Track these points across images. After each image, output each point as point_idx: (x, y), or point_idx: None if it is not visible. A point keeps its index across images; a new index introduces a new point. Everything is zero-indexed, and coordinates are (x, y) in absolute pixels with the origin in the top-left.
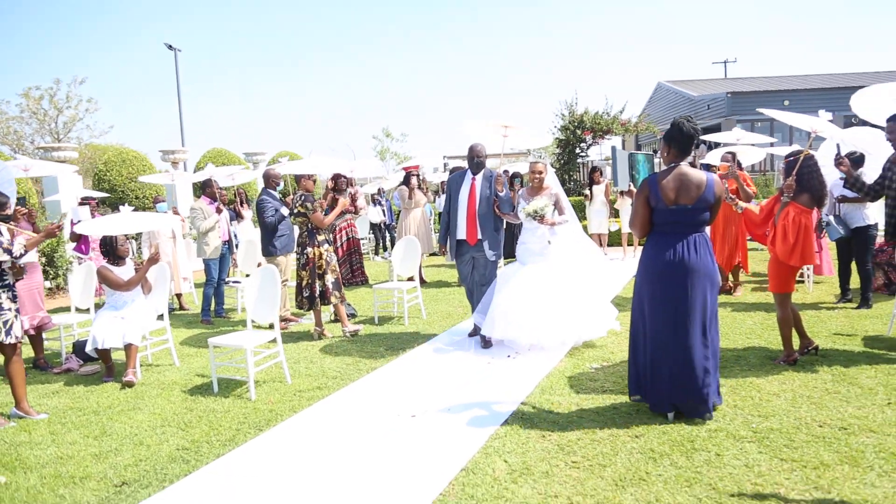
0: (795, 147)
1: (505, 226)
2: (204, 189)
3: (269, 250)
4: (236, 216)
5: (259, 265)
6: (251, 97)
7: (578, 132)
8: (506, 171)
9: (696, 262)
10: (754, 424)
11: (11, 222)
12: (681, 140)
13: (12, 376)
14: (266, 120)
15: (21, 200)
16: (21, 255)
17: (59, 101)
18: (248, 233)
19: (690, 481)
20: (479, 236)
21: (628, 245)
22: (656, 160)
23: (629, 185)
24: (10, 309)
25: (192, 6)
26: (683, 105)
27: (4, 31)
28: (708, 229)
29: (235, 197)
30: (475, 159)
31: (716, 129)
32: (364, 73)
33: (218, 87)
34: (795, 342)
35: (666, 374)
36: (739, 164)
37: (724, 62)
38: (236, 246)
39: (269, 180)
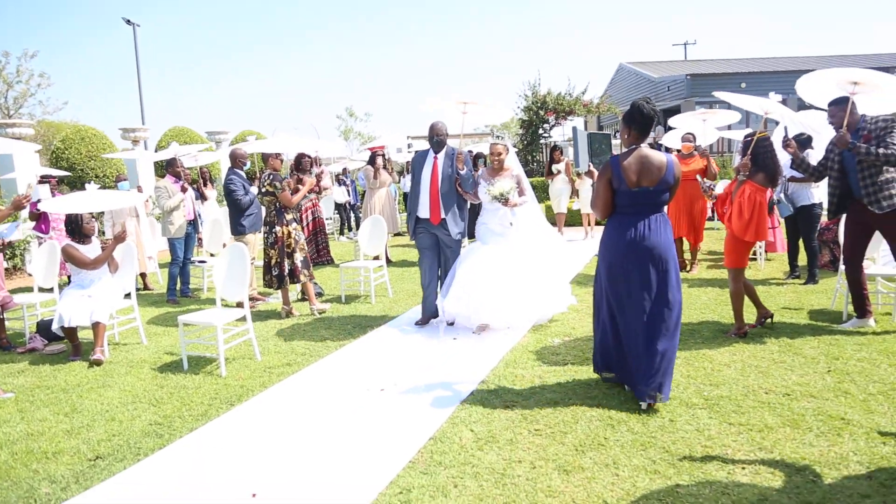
0: (750, 130)
1: (469, 206)
2: (168, 168)
3: (238, 229)
4: (200, 196)
5: (224, 245)
6: (213, 76)
7: (541, 113)
8: (469, 151)
9: (656, 240)
10: (706, 392)
11: None
12: (641, 122)
13: None
14: (228, 98)
15: None
16: None
17: (8, 75)
18: (213, 212)
19: (645, 445)
20: (443, 215)
21: (587, 225)
22: (615, 142)
23: (589, 166)
24: None
25: None
26: (644, 86)
27: None
28: (666, 208)
29: (199, 177)
30: (435, 137)
31: (676, 110)
32: (328, 51)
33: (179, 64)
34: (747, 316)
35: (631, 352)
36: (698, 145)
37: (685, 44)
38: (201, 225)
39: (236, 160)
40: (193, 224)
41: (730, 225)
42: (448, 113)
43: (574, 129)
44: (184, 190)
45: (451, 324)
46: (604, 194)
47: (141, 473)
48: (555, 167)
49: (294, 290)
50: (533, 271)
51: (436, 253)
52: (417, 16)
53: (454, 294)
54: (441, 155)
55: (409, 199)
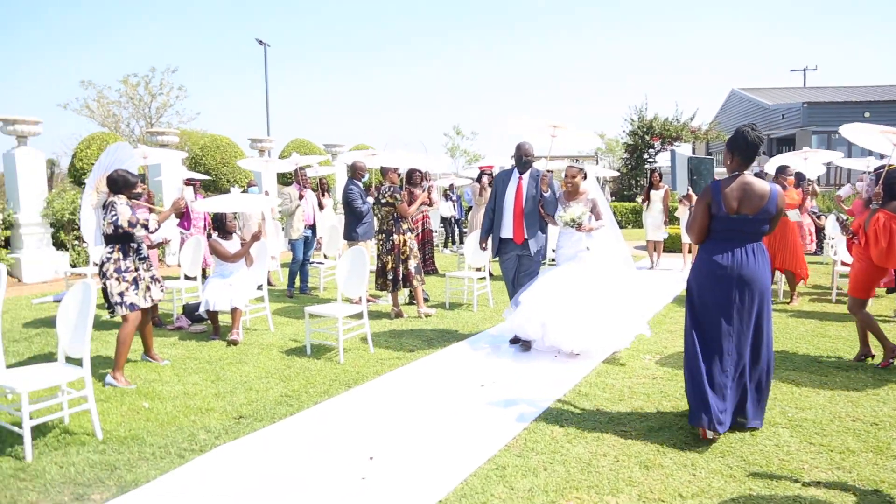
0: (870, 160)
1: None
2: (294, 176)
3: (352, 235)
4: (318, 204)
5: (340, 249)
6: (331, 91)
7: (647, 138)
8: (550, 171)
9: (753, 269)
10: (790, 414)
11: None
12: (745, 149)
13: (148, 335)
14: (344, 113)
15: (142, 178)
16: (156, 230)
17: (153, 87)
18: (330, 219)
19: (724, 453)
20: (526, 235)
21: (688, 253)
22: (718, 169)
23: (687, 190)
24: (147, 278)
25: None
26: (757, 113)
27: (108, 21)
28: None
29: (318, 187)
30: (523, 158)
31: (790, 139)
32: (436, 70)
33: (301, 80)
34: (846, 349)
35: (723, 386)
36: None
37: (804, 70)
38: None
39: (356, 171)
40: (312, 228)
41: (864, 254)
42: (533, 134)
43: (672, 151)
44: (301, 197)
45: (527, 345)
46: (701, 219)
47: (276, 432)
48: (654, 192)
49: (402, 295)
50: (606, 297)
51: (518, 275)
52: (524, 36)
53: (524, 315)
54: (526, 176)
55: (487, 216)
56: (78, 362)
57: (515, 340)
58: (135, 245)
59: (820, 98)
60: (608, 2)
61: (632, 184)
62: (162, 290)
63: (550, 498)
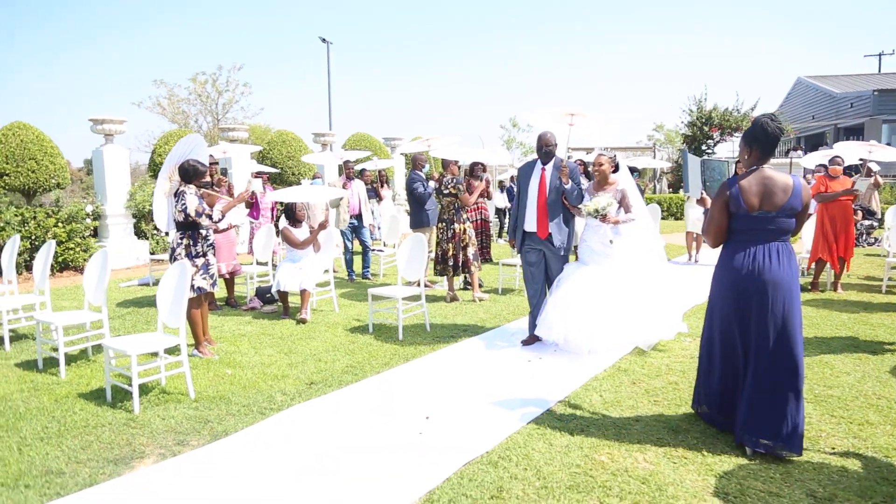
0: None
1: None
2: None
3: (422, 220)
4: (376, 195)
5: (403, 236)
6: (391, 86)
7: (705, 129)
8: (580, 161)
9: (778, 272)
10: (817, 391)
11: (214, 187)
12: (765, 141)
13: (203, 317)
14: (403, 107)
15: (224, 171)
16: (220, 220)
17: (220, 85)
18: (389, 209)
19: None
20: (550, 229)
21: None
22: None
23: (701, 193)
24: (214, 264)
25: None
26: (823, 102)
27: (180, 22)
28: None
29: (377, 178)
30: (544, 148)
31: (858, 129)
32: (494, 63)
33: (361, 74)
34: (882, 332)
35: (744, 403)
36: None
37: (879, 55)
38: (377, 220)
39: (417, 162)
40: (358, 218)
41: None
42: (552, 123)
43: (684, 152)
44: (344, 187)
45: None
46: (718, 219)
47: (343, 396)
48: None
49: (457, 281)
50: (635, 294)
51: (542, 269)
52: (579, 29)
53: (549, 318)
54: (549, 166)
55: (513, 211)
56: (173, 332)
57: (529, 341)
58: (203, 232)
59: (893, 85)
60: None
61: (704, 178)
62: (212, 279)
63: (585, 453)
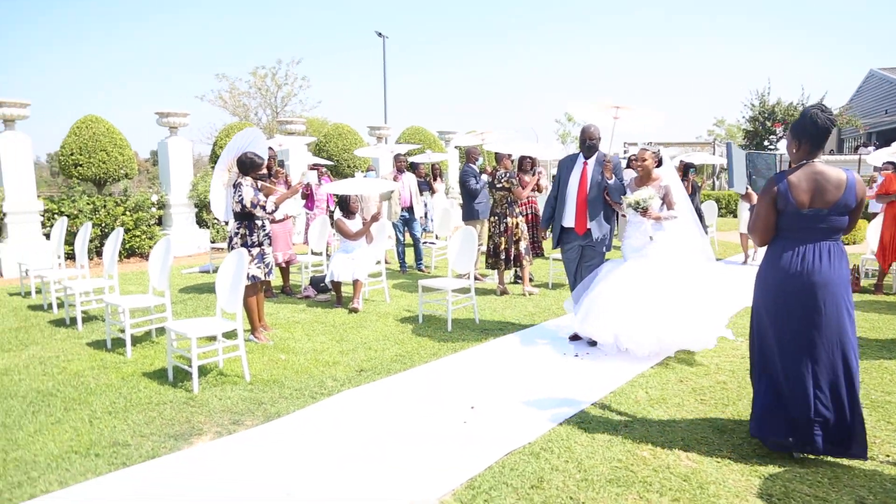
0: None
1: (617, 216)
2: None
3: (472, 213)
4: (429, 189)
5: (455, 229)
6: (445, 80)
7: (768, 123)
8: (633, 157)
9: (829, 273)
10: (874, 396)
11: (272, 179)
12: (814, 133)
13: (259, 304)
14: (457, 101)
15: (281, 163)
16: (274, 211)
17: (279, 78)
18: (442, 203)
19: None
20: (588, 225)
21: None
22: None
23: (746, 189)
24: (269, 254)
25: None
26: None
27: (242, 17)
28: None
29: (430, 172)
30: (587, 142)
31: None
32: (549, 56)
33: (416, 68)
34: None
35: (795, 411)
36: None
37: None
38: (429, 214)
39: (471, 156)
40: (409, 210)
41: None
42: (595, 116)
43: (728, 144)
44: (395, 179)
45: (593, 344)
46: (765, 216)
47: (391, 383)
48: None
49: (507, 275)
50: (675, 295)
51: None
52: (637, 21)
53: (584, 312)
54: (591, 161)
55: (549, 203)
56: (230, 317)
57: (575, 337)
58: (259, 222)
59: None
60: None
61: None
62: (267, 268)
63: (627, 448)
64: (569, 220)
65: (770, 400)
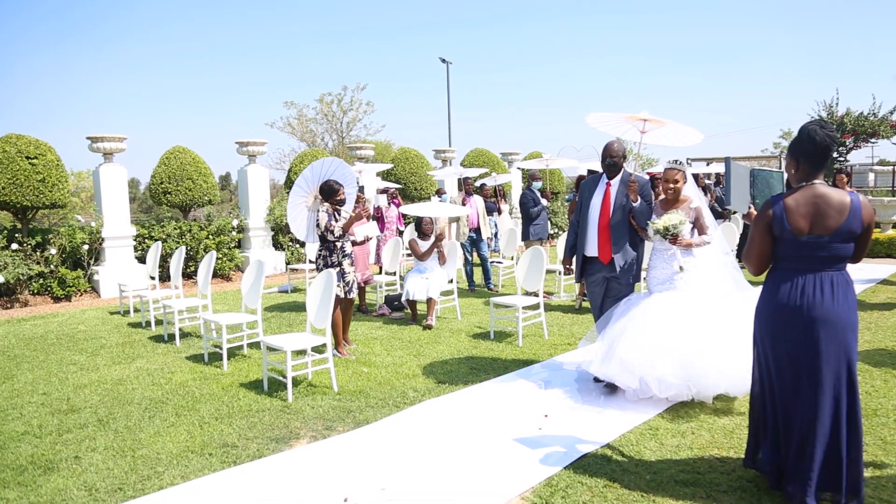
0: None
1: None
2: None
3: (527, 234)
4: (496, 209)
5: (520, 248)
6: (508, 101)
7: (837, 135)
8: (653, 176)
9: (830, 307)
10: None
11: (354, 205)
12: (812, 152)
13: (344, 320)
14: (520, 122)
15: (361, 189)
16: (340, 236)
17: (345, 104)
18: (507, 223)
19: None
20: (612, 253)
21: None
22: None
23: (749, 208)
24: (350, 272)
25: (459, 23)
26: None
27: (310, 45)
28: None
29: (496, 193)
30: (608, 159)
31: None
32: (609, 77)
33: (479, 91)
34: None
35: (792, 452)
36: None
37: None
38: (496, 234)
39: (531, 179)
40: (477, 231)
41: None
42: (620, 129)
43: (728, 160)
44: (464, 202)
45: (612, 388)
46: (760, 243)
47: (469, 394)
48: None
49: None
50: (710, 330)
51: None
52: (699, 35)
53: (603, 352)
54: (615, 181)
55: (571, 230)
56: (319, 333)
57: (598, 379)
58: (339, 244)
59: None
60: None
61: (753, 192)
62: (348, 286)
63: (695, 453)
64: (591, 249)
65: (761, 433)
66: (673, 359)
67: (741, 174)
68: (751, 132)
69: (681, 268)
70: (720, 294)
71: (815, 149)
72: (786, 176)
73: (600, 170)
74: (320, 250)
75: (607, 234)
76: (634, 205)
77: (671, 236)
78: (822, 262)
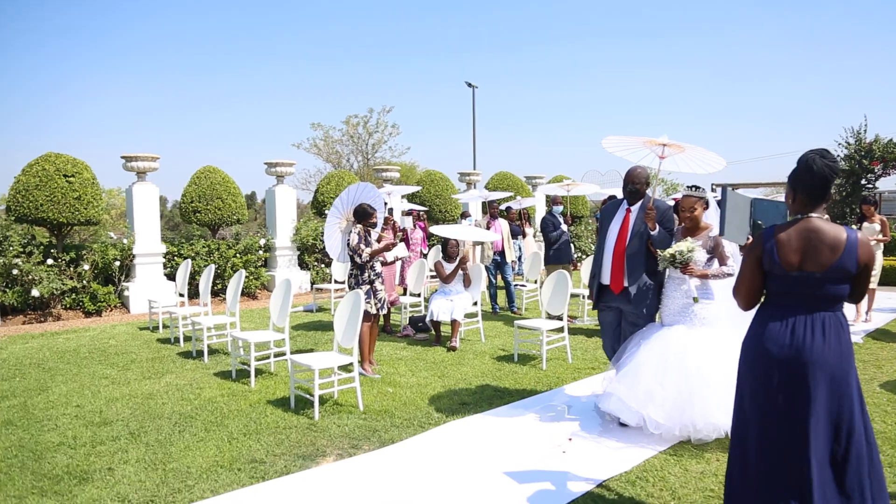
0: None
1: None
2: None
3: (548, 258)
4: (521, 232)
5: (542, 272)
6: (532, 125)
7: (865, 162)
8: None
9: (822, 352)
10: None
11: (384, 227)
12: (810, 183)
13: (370, 338)
14: (543, 146)
15: (391, 211)
16: (367, 262)
17: (370, 126)
18: (531, 246)
19: None
20: (626, 283)
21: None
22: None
23: (747, 239)
24: (381, 290)
25: (485, 46)
26: None
27: (336, 68)
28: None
29: (519, 216)
30: (630, 185)
31: None
32: (634, 102)
33: (503, 115)
34: None
35: None
36: None
37: None
38: (520, 257)
39: (552, 203)
40: (501, 254)
41: None
42: (637, 154)
43: (723, 189)
44: (488, 226)
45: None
46: (750, 277)
47: (493, 416)
48: (866, 225)
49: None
50: (712, 371)
51: (619, 334)
52: (725, 58)
53: (604, 385)
54: (635, 208)
55: (597, 258)
56: (346, 352)
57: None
58: (370, 263)
59: None
60: (822, 18)
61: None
62: (380, 303)
63: (720, 479)
64: (605, 277)
65: (736, 481)
66: (668, 399)
67: (739, 204)
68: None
69: (695, 299)
70: (736, 330)
71: (812, 179)
72: (786, 207)
73: (621, 195)
74: (351, 269)
75: (621, 262)
76: (652, 232)
77: (679, 264)
78: (814, 301)
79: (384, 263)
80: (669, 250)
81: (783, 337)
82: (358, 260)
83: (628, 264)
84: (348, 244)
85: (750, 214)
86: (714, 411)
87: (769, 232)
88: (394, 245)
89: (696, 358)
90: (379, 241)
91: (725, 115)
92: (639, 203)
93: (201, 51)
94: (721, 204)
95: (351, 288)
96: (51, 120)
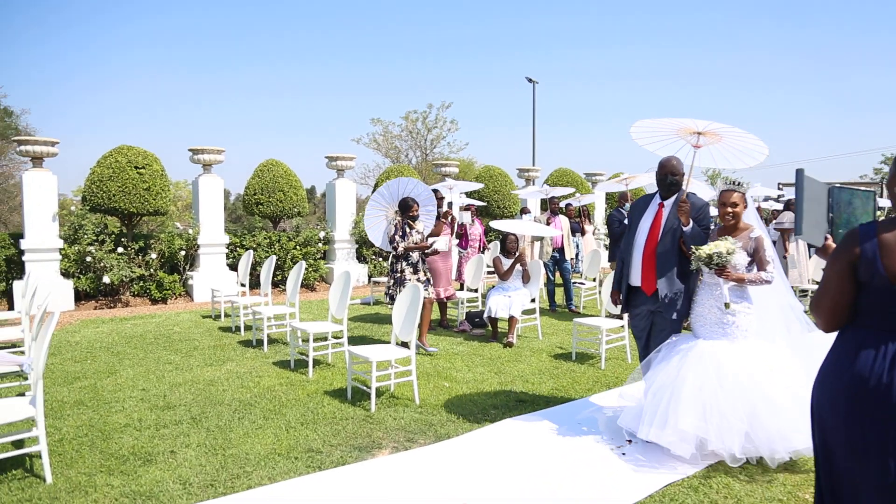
0: None
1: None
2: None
3: (612, 255)
4: (580, 230)
5: (603, 270)
6: (592, 121)
7: None
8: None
9: None
10: None
11: (440, 220)
12: None
13: (424, 319)
14: (603, 143)
15: (449, 204)
16: (402, 254)
17: (429, 122)
18: (591, 244)
19: None
20: (657, 285)
21: None
22: (884, 202)
23: (826, 238)
24: (412, 279)
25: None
26: None
27: (397, 63)
28: None
29: (580, 214)
30: (667, 178)
31: None
32: (699, 96)
33: (564, 110)
34: None
35: None
36: None
37: None
38: (580, 255)
39: (622, 200)
40: (560, 251)
41: None
42: (668, 143)
43: (798, 172)
44: (549, 223)
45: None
46: (838, 288)
47: (551, 415)
48: None
49: None
50: (760, 386)
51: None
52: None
53: (650, 411)
54: (669, 203)
55: (623, 257)
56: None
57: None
58: (405, 254)
59: None
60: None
61: (831, 216)
62: (426, 291)
63: (787, 490)
64: (635, 278)
65: None
66: (741, 431)
67: (817, 193)
68: (848, 157)
69: (726, 305)
70: (779, 344)
71: None
72: (883, 199)
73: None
74: (391, 259)
75: (653, 261)
76: (686, 228)
77: (716, 266)
78: None
79: (426, 255)
80: (706, 249)
81: (879, 370)
82: (392, 251)
83: (660, 264)
84: (387, 232)
85: (827, 206)
86: (775, 438)
87: (868, 230)
88: (427, 247)
89: (752, 376)
90: (437, 234)
91: (797, 108)
92: (673, 198)
93: (264, 46)
94: (797, 191)
95: (387, 275)
96: (119, 113)
